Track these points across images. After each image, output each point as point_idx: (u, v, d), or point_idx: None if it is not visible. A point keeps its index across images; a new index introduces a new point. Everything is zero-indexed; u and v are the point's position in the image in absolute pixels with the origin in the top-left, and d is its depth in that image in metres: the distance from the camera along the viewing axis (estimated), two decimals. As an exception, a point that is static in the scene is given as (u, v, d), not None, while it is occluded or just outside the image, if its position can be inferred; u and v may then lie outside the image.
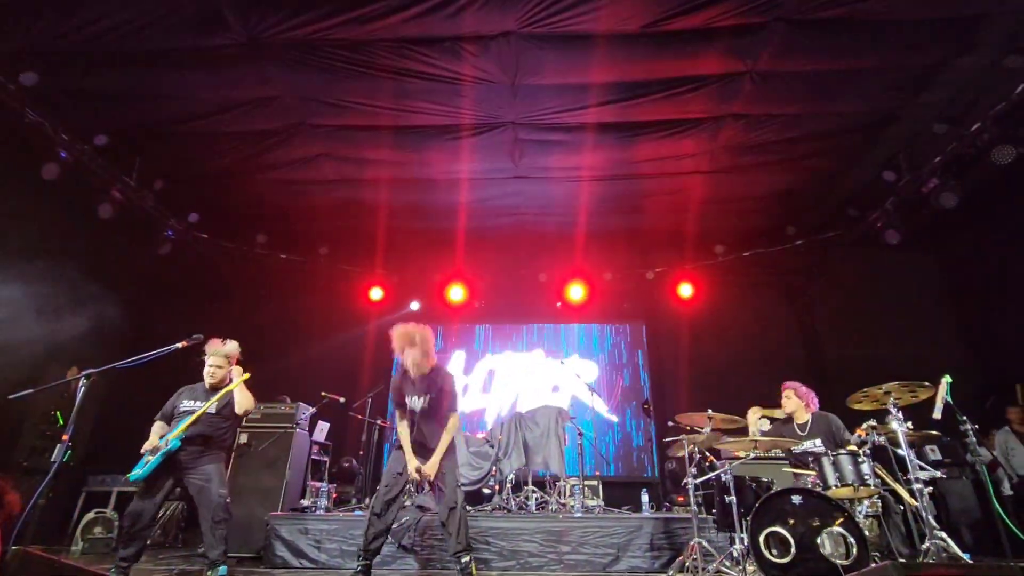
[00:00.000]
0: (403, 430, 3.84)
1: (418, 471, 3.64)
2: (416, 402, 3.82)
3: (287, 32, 4.73)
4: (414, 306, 8.68)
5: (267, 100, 5.55)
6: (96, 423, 6.21)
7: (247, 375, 3.84)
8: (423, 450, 3.76)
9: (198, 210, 7.19)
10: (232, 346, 3.98)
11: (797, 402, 4.31)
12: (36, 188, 5.28)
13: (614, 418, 8.20)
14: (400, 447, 3.81)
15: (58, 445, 2.76)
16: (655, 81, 5.29)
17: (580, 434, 5.82)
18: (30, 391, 2.89)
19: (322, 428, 6.32)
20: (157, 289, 7.07)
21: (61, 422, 5.58)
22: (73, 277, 5.83)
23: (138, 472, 3.49)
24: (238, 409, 3.79)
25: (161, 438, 3.64)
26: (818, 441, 4.08)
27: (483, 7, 4.47)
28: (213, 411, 3.76)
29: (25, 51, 4.83)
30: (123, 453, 5.73)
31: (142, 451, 3.59)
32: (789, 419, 4.36)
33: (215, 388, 3.89)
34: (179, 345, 3.46)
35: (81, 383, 2.95)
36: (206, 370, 3.91)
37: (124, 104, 5.59)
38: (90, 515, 5.27)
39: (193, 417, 3.63)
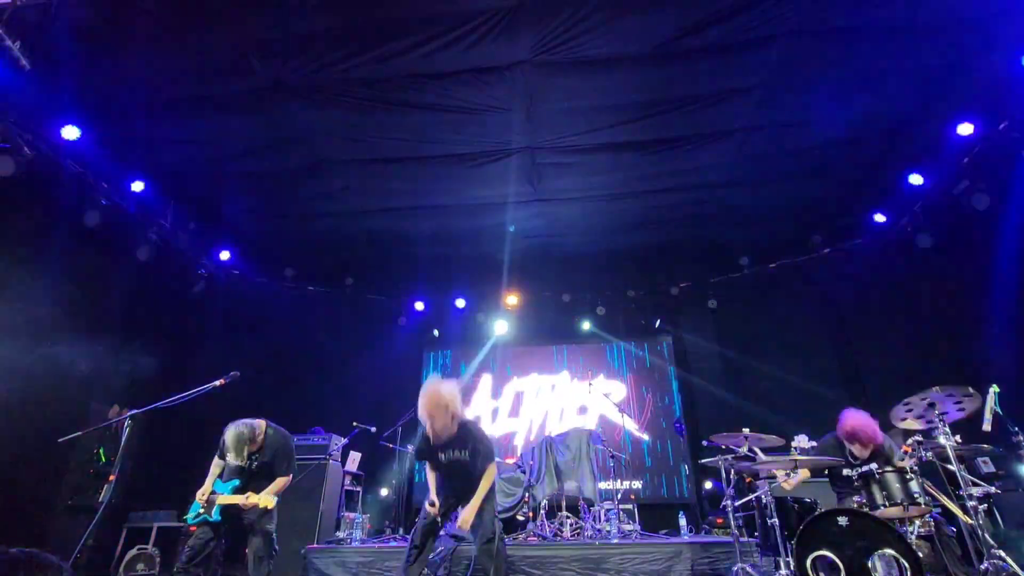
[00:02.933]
0: (432, 475, 3.83)
1: (440, 514, 3.65)
2: (448, 457, 3.70)
3: (309, 74, 4.94)
4: (437, 332, 8.77)
5: (292, 138, 5.76)
6: (136, 460, 6.36)
7: (273, 501, 3.84)
8: (462, 491, 3.72)
9: (229, 248, 7.43)
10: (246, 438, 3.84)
11: (863, 439, 3.96)
12: (79, 235, 5.54)
13: (645, 437, 8.06)
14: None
15: (106, 485, 2.85)
16: (670, 98, 5.34)
17: (612, 456, 5.73)
18: (78, 434, 3.00)
19: (354, 458, 6.36)
20: (192, 326, 7.28)
21: (104, 460, 5.74)
22: (113, 319, 6.05)
23: (192, 517, 3.77)
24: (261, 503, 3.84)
25: (219, 481, 3.87)
26: (874, 466, 3.89)
27: (495, 40, 4.61)
28: (255, 469, 3.91)
29: (66, 105, 5.13)
30: (163, 489, 5.89)
31: (198, 496, 3.80)
32: (841, 441, 4.14)
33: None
34: (217, 383, 3.54)
35: (126, 423, 3.04)
36: (236, 447, 3.84)
37: (159, 150, 5.87)
38: (132, 552, 5.35)
39: (229, 500, 3.76)
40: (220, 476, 3.99)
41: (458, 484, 3.74)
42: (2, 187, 4.65)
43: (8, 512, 4.57)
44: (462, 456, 3.66)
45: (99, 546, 5.65)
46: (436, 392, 3.54)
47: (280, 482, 3.90)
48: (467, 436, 3.68)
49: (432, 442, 3.65)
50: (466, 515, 3.57)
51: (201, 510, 3.80)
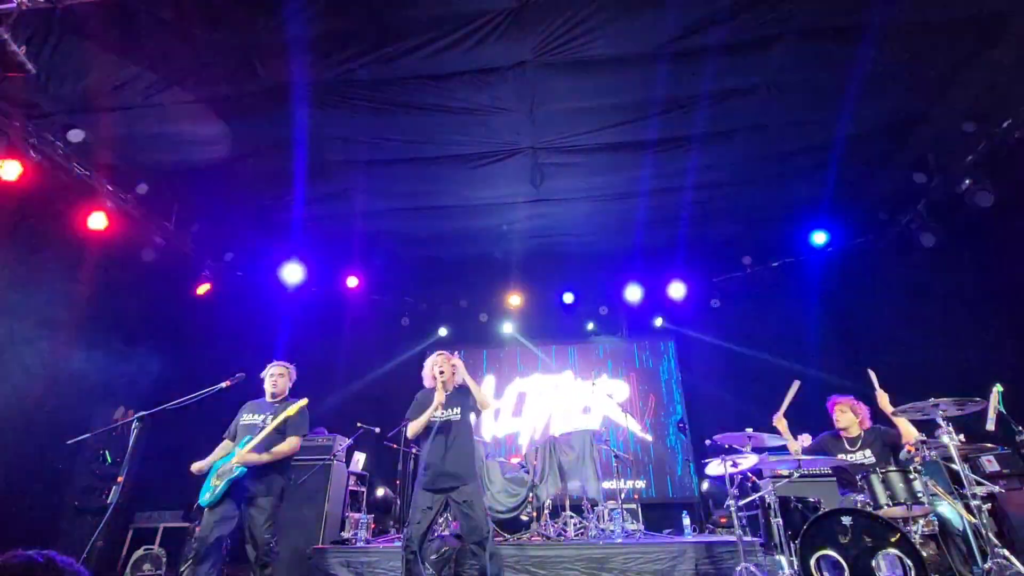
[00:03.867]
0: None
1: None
2: (443, 416, 3.85)
3: (313, 76, 4.95)
4: (441, 332, 8.79)
5: (296, 140, 5.77)
6: (141, 461, 6.39)
7: (305, 400, 4.02)
8: (448, 477, 3.71)
9: (233, 250, 7.45)
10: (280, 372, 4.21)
11: (851, 418, 4.14)
12: (84, 238, 5.57)
13: (648, 437, 8.07)
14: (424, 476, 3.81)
15: (114, 486, 2.87)
16: (671, 98, 5.33)
17: (615, 456, 5.74)
18: (87, 436, 3.02)
19: (358, 459, 6.39)
20: (196, 328, 7.31)
21: (109, 461, 5.77)
22: (119, 321, 6.09)
23: (207, 498, 3.62)
24: (285, 447, 3.87)
25: (224, 458, 3.77)
26: (868, 452, 3.95)
27: (498, 40, 4.61)
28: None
29: (71, 109, 5.16)
30: (168, 490, 5.91)
31: (197, 468, 3.73)
32: (838, 435, 4.22)
33: (275, 396, 4.06)
34: (223, 384, 3.57)
35: (134, 425, 3.06)
36: (267, 382, 4.10)
37: (162, 152, 5.89)
38: (139, 552, 5.38)
39: (258, 438, 3.73)
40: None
41: (450, 451, 3.77)
42: (8, 191, 4.68)
43: (17, 514, 4.61)
44: (459, 414, 3.85)
45: (105, 547, 5.69)
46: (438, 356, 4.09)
47: (291, 442, 3.88)
48: (463, 396, 3.95)
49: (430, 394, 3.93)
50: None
51: (217, 481, 3.65)
